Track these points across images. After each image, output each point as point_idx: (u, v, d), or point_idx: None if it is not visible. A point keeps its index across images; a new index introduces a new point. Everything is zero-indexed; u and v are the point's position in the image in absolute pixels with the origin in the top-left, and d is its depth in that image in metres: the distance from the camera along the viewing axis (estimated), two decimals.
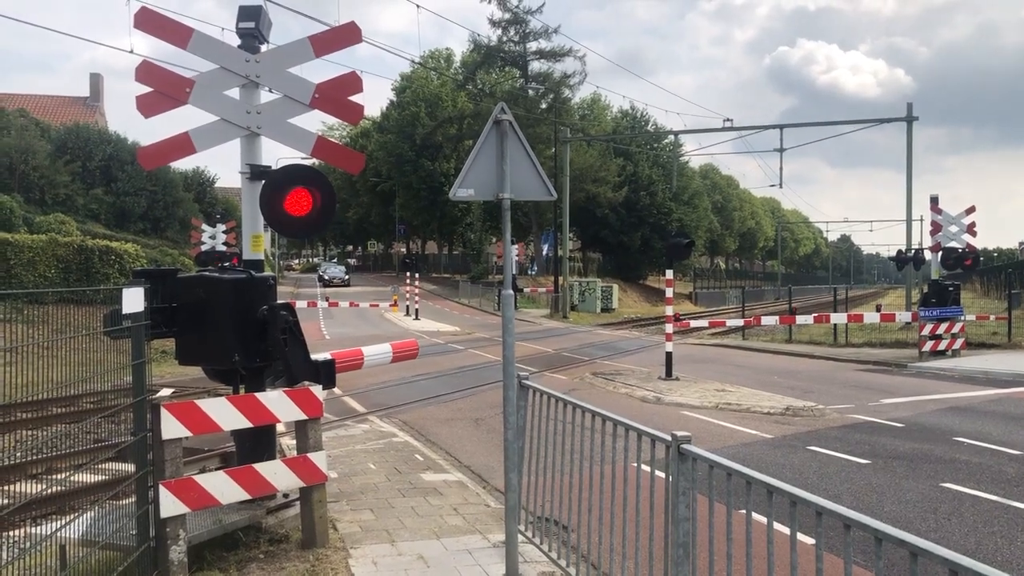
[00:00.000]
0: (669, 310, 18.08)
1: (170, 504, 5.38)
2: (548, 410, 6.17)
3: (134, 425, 5.20)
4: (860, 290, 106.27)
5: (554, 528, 6.18)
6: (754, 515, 3.82)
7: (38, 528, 4.88)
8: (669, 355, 17.61)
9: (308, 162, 19.23)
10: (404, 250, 79.33)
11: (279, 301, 6.71)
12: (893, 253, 26.44)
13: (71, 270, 25.47)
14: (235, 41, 7.04)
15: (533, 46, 56.32)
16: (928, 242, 23.16)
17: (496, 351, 20.56)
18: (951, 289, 21.91)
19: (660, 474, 4.68)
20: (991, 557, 6.51)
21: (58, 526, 4.73)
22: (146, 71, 6.62)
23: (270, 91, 7.09)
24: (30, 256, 24.67)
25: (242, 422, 5.95)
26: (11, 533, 6.46)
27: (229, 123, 6.80)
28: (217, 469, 6.96)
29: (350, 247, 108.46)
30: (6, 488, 7.92)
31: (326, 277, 64.06)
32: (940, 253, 22.27)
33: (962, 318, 21.82)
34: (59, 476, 8.44)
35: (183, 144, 6.79)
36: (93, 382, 5.61)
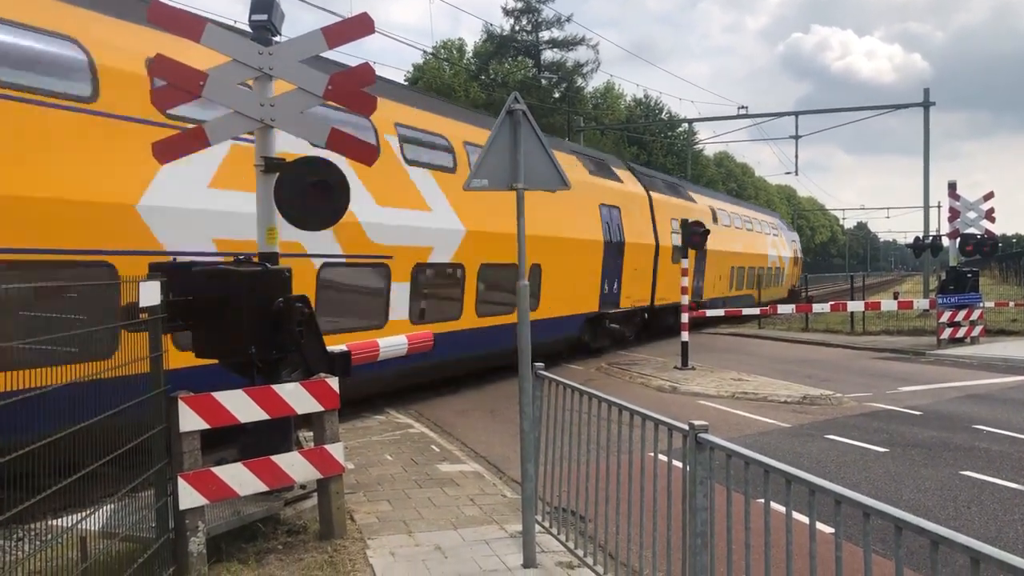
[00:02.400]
0: (684, 299, 18.03)
1: (189, 496, 5.42)
2: (564, 400, 6.17)
3: (152, 418, 5.23)
4: (877, 278, 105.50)
5: (571, 518, 6.18)
6: (772, 504, 3.80)
7: (59, 520, 4.92)
8: (685, 344, 17.57)
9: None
10: None
11: (294, 293, 6.73)
12: (910, 240, 26.24)
13: None
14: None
15: (546, 35, 56.12)
16: (946, 229, 22.98)
17: None
18: (969, 276, 21.73)
19: (677, 463, 4.67)
20: (1012, 545, 6.47)
21: (78, 518, 4.76)
22: (160, 65, 6.62)
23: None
24: None
25: (259, 414, 5.97)
26: (32, 525, 6.53)
27: (243, 115, 6.80)
28: (235, 461, 6.99)
29: None
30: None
31: None
32: (958, 240, 22.09)
33: (980, 305, 21.64)
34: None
35: (197, 137, 6.80)
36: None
